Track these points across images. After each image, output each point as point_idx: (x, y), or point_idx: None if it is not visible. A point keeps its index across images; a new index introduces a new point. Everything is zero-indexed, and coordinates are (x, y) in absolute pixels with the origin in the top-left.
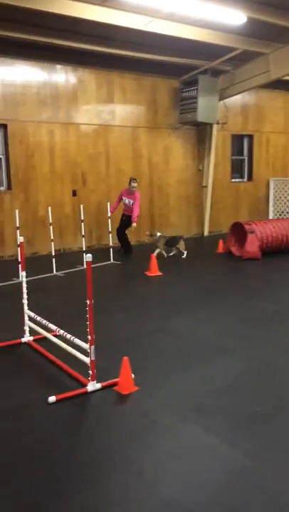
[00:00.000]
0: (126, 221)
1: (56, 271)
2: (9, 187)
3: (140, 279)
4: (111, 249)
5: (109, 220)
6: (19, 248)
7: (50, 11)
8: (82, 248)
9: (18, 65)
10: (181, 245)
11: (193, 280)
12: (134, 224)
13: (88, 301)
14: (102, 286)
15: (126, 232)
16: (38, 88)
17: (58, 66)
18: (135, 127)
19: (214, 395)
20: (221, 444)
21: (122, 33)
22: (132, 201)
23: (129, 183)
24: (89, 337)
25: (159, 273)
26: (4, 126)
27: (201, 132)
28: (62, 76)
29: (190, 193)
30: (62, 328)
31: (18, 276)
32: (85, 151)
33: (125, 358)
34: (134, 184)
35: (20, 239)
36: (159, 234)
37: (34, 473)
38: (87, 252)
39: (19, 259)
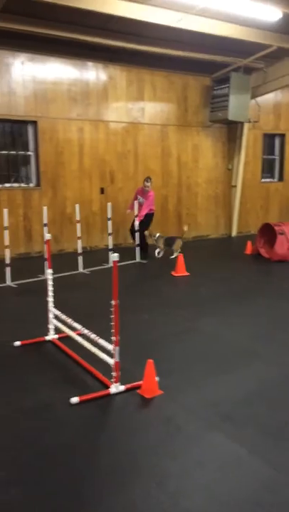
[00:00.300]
0: (144, 219)
1: (82, 268)
2: (38, 184)
3: (166, 279)
4: (136, 248)
5: (136, 219)
6: (46, 245)
7: (82, 7)
8: (108, 246)
9: (50, 62)
10: (176, 245)
11: (221, 281)
12: (137, 222)
13: (113, 302)
14: (127, 286)
15: (146, 232)
16: (68, 85)
17: (89, 63)
18: (165, 125)
19: (242, 402)
20: (248, 455)
21: (154, 30)
22: (144, 200)
23: (143, 182)
24: (113, 338)
25: (186, 273)
26: (35, 123)
27: (232, 131)
28: (93, 73)
29: (219, 193)
30: (86, 327)
31: (44, 273)
32: (114, 149)
33: (150, 360)
34: (148, 184)
35: (48, 236)
36: (158, 234)
37: (54, 476)
38: (113, 250)
39: (46, 256)
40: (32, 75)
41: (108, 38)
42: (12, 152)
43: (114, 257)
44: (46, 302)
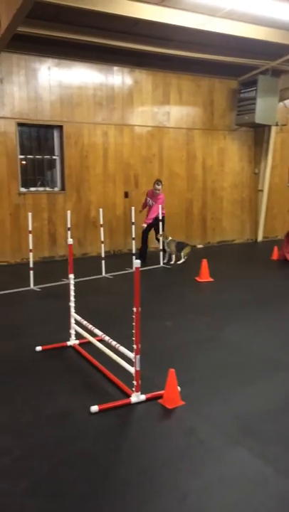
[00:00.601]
0: (152, 223)
1: (105, 273)
2: (63, 188)
3: (190, 284)
4: (161, 253)
5: (161, 223)
6: (69, 249)
7: (108, 11)
8: (131, 250)
9: (76, 67)
10: (185, 251)
11: (246, 287)
12: (144, 225)
13: (135, 309)
14: (151, 291)
15: (158, 236)
16: (94, 90)
17: (115, 67)
18: (190, 129)
19: (268, 416)
20: (273, 474)
21: (180, 33)
22: (154, 203)
23: (154, 184)
24: (135, 346)
25: (210, 279)
26: (60, 128)
27: (259, 134)
28: (118, 77)
29: (244, 197)
30: (108, 333)
31: (67, 277)
32: (139, 153)
33: (171, 370)
34: (158, 187)
35: (70, 241)
36: (170, 238)
37: (74, 488)
38: (136, 255)
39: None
40: (58, 80)
41: (134, 42)
42: (38, 156)
43: (136, 263)
44: (68, 307)
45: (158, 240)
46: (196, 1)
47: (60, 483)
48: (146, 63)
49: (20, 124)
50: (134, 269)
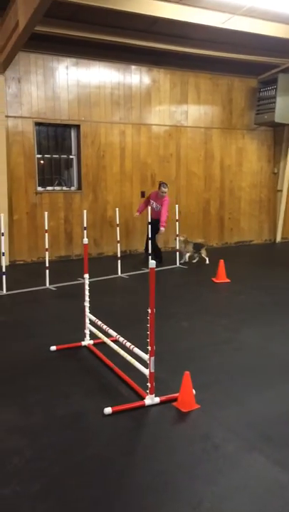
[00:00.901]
0: (154, 226)
1: (121, 273)
2: (79, 187)
3: (206, 285)
4: (177, 253)
5: (177, 223)
6: (84, 249)
7: (127, 10)
8: (197, 242)
9: (93, 67)
10: (203, 252)
11: (264, 289)
12: (163, 228)
13: (150, 310)
14: (166, 291)
15: (181, 238)
16: (111, 89)
17: (133, 66)
18: (208, 128)
19: (285, 421)
20: None
21: (199, 32)
22: (159, 206)
23: (159, 187)
24: (149, 348)
25: (227, 280)
26: (77, 127)
27: (278, 133)
28: (136, 76)
29: (263, 197)
30: (122, 333)
31: (83, 277)
32: (156, 152)
33: (186, 372)
34: (165, 189)
35: (85, 240)
36: (185, 238)
37: (88, 491)
38: (152, 254)
39: (119, 255)
40: (76, 79)
41: (153, 41)
42: (55, 156)
43: (151, 263)
44: (83, 306)
45: (155, 242)
46: None
47: (72, 486)
48: (164, 62)
49: (37, 124)
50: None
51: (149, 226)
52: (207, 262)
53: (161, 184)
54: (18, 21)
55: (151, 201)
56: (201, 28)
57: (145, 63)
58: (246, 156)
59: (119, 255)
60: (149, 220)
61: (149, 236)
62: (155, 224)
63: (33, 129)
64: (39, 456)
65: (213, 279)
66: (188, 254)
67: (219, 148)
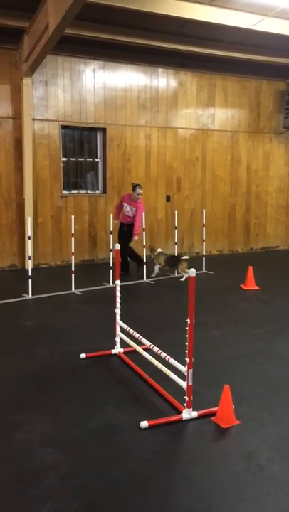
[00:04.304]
0: (128, 231)
1: (146, 278)
2: (104, 190)
3: (235, 292)
4: (204, 258)
5: (204, 228)
6: (112, 254)
7: (156, 12)
8: (172, 255)
9: (120, 69)
10: (182, 267)
11: None
12: (136, 237)
13: (189, 320)
14: (195, 298)
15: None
16: (138, 92)
17: (160, 69)
18: (235, 132)
19: None
20: None
21: (228, 34)
22: (134, 209)
23: (133, 189)
24: (187, 359)
25: (256, 287)
26: (103, 130)
27: None
28: (163, 79)
29: None
30: (152, 341)
31: (108, 282)
32: (182, 156)
33: (226, 386)
34: (140, 191)
35: (117, 246)
36: (159, 250)
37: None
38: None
39: (111, 265)
40: (102, 82)
41: (181, 44)
42: (80, 159)
43: (191, 272)
44: (111, 312)
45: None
46: (247, 1)
47: (111, 506)
48: (191, 65)
49: (63, 127)
50: (176, 274)
51: (121, 232)
52: (182, 279)
53: (136, 186)
54: (48, 23)
55: (125, 204)
56: (230, 29)
57: (172, 66)
58: (273, 160)
59: (145, 260)
60: (120, 226)
61: (130, 244)
62: (129, 228)
63: (59, 132)
64: (75, 472)
65: (242, 286)
66: (157, 267)
67: (246, 152)
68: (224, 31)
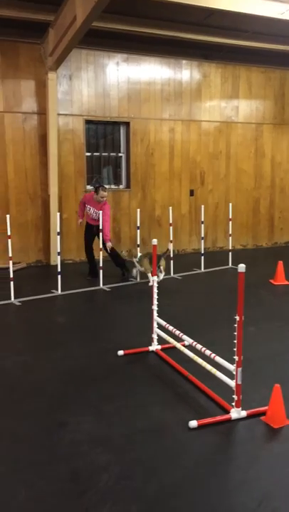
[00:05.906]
0: (97, 233)
1: (173, 273)
2: (128, 185)
3: (265, 287)
4: (230, 253)
5: (230, 222)
6: (138, 249)
7: (182, 2)
8: (196, 250)
9: (144, 62)
10: (163, 266)
11: None
12: (110, 243)
13: (238, 317)
14: (223, 294)
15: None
16: (162, 85)
17: (184, 61)
18: (260, 124)
19: None
20: None
21: (253, 24)
22: (98, 212)
23: (96, 191)
24: (236, 357)
25: (286, 282)
26: (127, 124)
27: None
28: (186, 72)
29: None
30: (192, 337)
31: (135, 278)
32: (206, 150)
33: (277, 385)
34: (104, 193)
35: (154, 241)
36: (140, 254)
37: None
38: (203, 254)
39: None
40: (126, 75)
41: (205, 34)
42: (104, 154)
43: (240, 268)
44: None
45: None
46: None
47: (170, 511)
48: (215, 56)
49: (87, 122)
50: (203, 269)
51: (87, 233)
52: (160, 278)
53: (99, 187)
54: (75, 16)
55: (88, 206)
56: (255, 19)
57: (196, 57)
58: None
59: (172, 255)
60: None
61: (108, 251)
62: (95, 231)
63: (83, 126)
64: (128, 474)
65: (271, 281)
66: (135, 270)
67: (270, 145)
68: (249, 21)
